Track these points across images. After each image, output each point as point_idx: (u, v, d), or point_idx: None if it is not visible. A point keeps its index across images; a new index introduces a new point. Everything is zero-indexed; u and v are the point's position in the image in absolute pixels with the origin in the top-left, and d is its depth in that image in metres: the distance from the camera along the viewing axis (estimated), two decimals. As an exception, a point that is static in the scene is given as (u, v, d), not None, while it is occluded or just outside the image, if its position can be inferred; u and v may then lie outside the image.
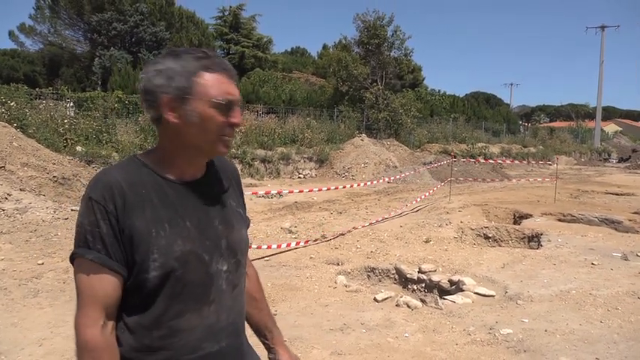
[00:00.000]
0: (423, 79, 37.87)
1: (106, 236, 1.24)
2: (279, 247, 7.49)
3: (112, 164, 10.41)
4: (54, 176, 10.24)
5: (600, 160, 35.66)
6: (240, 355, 1.47)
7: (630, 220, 10.14)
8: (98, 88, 23.67)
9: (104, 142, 14.23)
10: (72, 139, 13.28)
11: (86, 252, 1.25)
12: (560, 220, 10.22)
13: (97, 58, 26.04)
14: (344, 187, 12.07)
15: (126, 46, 27.31)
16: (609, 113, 73.58)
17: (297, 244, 7.84)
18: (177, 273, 1.28)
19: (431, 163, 19.55)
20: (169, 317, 1.30)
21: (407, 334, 4.41)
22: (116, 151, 13.85)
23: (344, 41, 27.31)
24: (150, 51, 26.72)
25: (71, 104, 17.45)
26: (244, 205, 1.59)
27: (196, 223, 1.35)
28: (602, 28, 44.36)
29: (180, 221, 1.32)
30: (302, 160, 19.01)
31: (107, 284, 1.25)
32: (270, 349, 1.67)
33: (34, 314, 4.75)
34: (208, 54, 1.33)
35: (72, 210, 8.86)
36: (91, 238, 1.25)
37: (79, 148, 12.87)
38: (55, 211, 8.59)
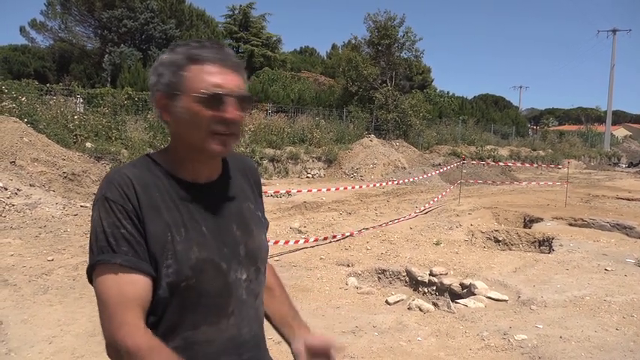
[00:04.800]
0: (432, 81, 37.75)
1: (131, 236, 1.15)
2: (286, 243, 7.50)
3: (121, 161, 10.40)
4: (64, 172, 10.25)
5: (610, 165, 35.41)
6: None
7: (643, 226, 10.02)
8: (108, 85, 23.74)
9: (113, 138, 14.23)
10: (82, 135, 13.29)
11: (112, 257, 1.14)
12: (571, 224, 10.12)
13: (107, 55, 26.10)
14: (352, 187, 12.04)
15: (136, 43, 27.37)
16: (619, 117, 73.15)
17: (306, 241, 7.83)
18: (191, 282, 1.19)
19: (440, 165, 19.47)
20: (184, 328, 1.21)
21: (420, 338, 4.35)
22: (125, 148, 13.85)
23: (354, 41, 27.28)
24: (159, 48, 26.74)
25: (81, 100, 17.48)
26: (263, 206, 1.49)
27: (213, 228, 1.26)
28: (614, 31, 44.07)
29: (196, 226, 1.23)
30: (310, 160, 18.97)
31: (140, 287, 1.15)
32: (291, 341, 1.46)
33: (44, 311, 4.73)
34: (204, 44, 1.23)
35: (81, 206, 8.87)
36: (114, 241, 1.14)
37: (88, 145, 12.88)
38: (64, 207, 8.60)
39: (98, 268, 1.16)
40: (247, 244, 1.31)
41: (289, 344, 1.46)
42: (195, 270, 1.19)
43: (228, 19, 37.04)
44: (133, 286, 1.14)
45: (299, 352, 1.42)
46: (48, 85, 17.26)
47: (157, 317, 1.20)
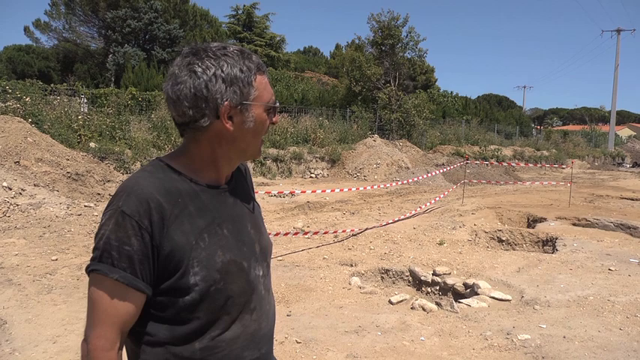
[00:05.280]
0: (436, 81, 37.71)
1: (136, 254, 1.16)
2: (286, 235, 7.49)
3: (125, 161, 10.39)
4: (67, 172, 10.28)
5: (614, 165, 35.29)
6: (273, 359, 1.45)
7: (647, 226, 9.99)
8: (112, 85, 23.83)
9: (117, 138, 14.28)
10: (85, 135, 13.33)
11: (110, 270, 1.16)
12: (574, 224, 10.09)
13: (110, 55, 26.19)
14: (357, 189, 12.04)
15: (140, 43, 27.44)
16: (623, 117, 72.94)
17: (306, 233, 7.82)
18: (219, 285, 1.23)
19: (443, 165, 19.43)
20: (212, 329, 1.25)
21: (423, 338, 4.35)
22: (129, 148, 13.89)
23: (357, 41, 27.28)
24: (163, 48, 26.84)
25: (85, 100, 17.54)
26: None
27: (232, 229, 1.30)
28: (618, 31, 43.89)
29: (219, 229, 1.27)
30: (314, 160, 18.97)
31: (130, 305, 1.18)
32: None
33: (48, 310, 4.75)
34: (249, 53, 1.28)
35: (85, 206, 8.89)
36: (117, 255, 1.16)
37: (92, 144, 12.92)
38: (68, 207, 8.62)
39: (96, 276, 1.19)
40: (260, 242, 1.39)
41: None
42: (222, 273, 1.24)
43: (231, 19, 37.14)
44: (123, 304, 1.17)
45: None
46: (52, 85, 17.30)
47: (183, 321, 1.23)
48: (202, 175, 1.29)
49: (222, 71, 1.21)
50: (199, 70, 1.20)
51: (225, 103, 1.21)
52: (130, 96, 17.62)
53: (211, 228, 1.25)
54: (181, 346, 1.23)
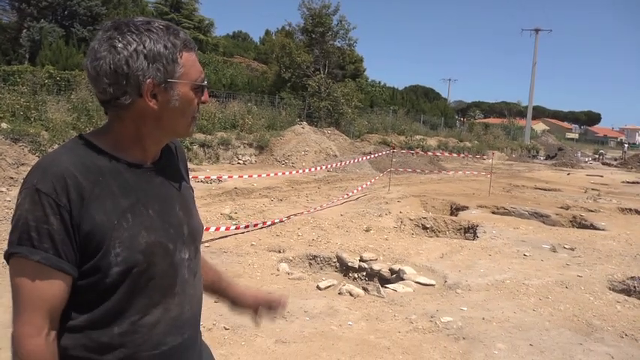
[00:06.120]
0: (364, 70, 38.15)
1: (57, 233, 1.10)
2: (217, 229, 7.38)
3: (41, 144, 9.76)
4: (-24, 153, 9.59)
5: (529, 157, 37.19)
6: (199, 345, 1.40)
7: (557, 215, 10.63)
8: (26, 62, 22.37)
9: (32, 119, 13.40)
10: (-4, 114, 12.46)
11: (31, 252, 1.09)
12: (494, 212, 10.58)
13: (25, 30, 24.57)
14: (283, 173, 12.02)
15: (58, 19, 25.93)
16: (538, 112, 76.99)
17: (237, 228, 7.73)
18: (142, 267, 1.17)
19: (370, 153, 19.75)
20: (132, 313, 1.19)
21: (350, 322, 4.42)
22: (46, 130, 13.09)
23: (288, 27, 27.14)
24: (84, 26, 25.49)
25: (-5, 78, 16.40)
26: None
27: (159, 210, 1.24)
28: (537, 30, 46.08)
29: (143, 209, 1.21)
30: (242, 146, 18.72)
31: (56, 288, 1.11)
32: (230, 300, 1.61)
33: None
34: (178, 28, 1.21)
35: (-3, 190, 8.34)
36: (36, 235, 1.09)
37: (4, 125, 12.08)
38: (-23, 191, 8.05)
39: (16, 260, 1.12)
40: (189, 224, 1.33)
41: (229, 301, 1.61)
42: (145, 254, 1.18)
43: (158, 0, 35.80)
44: (48, 286, 1.11)
45: (249, 305, 1.60)
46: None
47: (102, 305, 1.17)
48: (128, 153, 1.23)
49: (145, 47, 1.14)
50: (120, 45, 1.13)
51: (148, 80, 1.15)
52: (46, 75, 16.62)
53: (136, 208, 1.19)
54: (99, 331, 1.16)
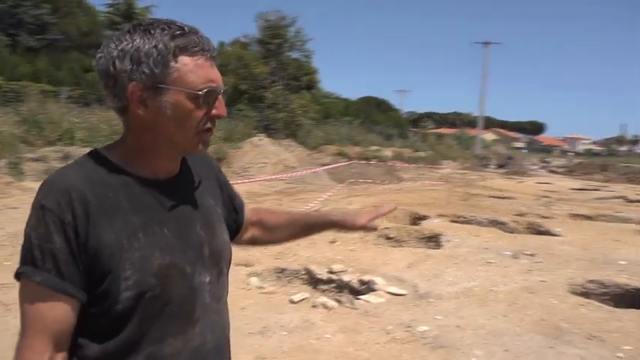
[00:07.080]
0: (319, 82, 38.45)
1: (60, 252, 1.03)
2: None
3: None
4: None
5: (481, 166, 38.21)
6: None
7: (514, 222, 10.92)
8: (-33, 72, 21.44)
9: (-24, 132, 12.89)
10: None
11: (33, 273, 1.03)
12: (454, 221, 10.78)
13: (-33, 39, 23.61)
14: (242, 182, 11.96)
15: (3, 27, 24.97)
16: (488, 122, 79.22)
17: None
18: (155, 291, 1.08)
19: (328, 164, 19.87)
20: (148, 343, 1.10)
21: (328, 335, 4.40)
22: (-7, 144, 12.60)
23: (243, 39, 27.12)
24: (32, 35, 24.67)
25: None
26: (233, 196, 1.44)
27: (175, 229, 1.14)
28: (486, 43, 47.67)
29: (157, 228, 1.11)
30: (199, 159, 18.52)
31: (59, 311, 1.04)
32: (337, 226, 1.53)
33: None
34: (185, 30, 1.09)
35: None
36: (39, 255, 1.03)
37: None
38: None
39: (21, 279, 1.07)
40: (211, 245, 1.22)
41: (333, 226, 1.53)
42: (159, 277, 1.09)
43: (110, 9, 35.05)
44: (49, 309, 1.04)
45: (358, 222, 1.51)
46: None
47: (116, 334, 1.09)
48: (139, 166, 1.14)
49: (132, 46, 1.06)
50: (112, 45, 1.07)
51: (132, 83, 1.06)
52: (-8, 86, 16.00)
53: (148, 226, 1.10)
54: None
